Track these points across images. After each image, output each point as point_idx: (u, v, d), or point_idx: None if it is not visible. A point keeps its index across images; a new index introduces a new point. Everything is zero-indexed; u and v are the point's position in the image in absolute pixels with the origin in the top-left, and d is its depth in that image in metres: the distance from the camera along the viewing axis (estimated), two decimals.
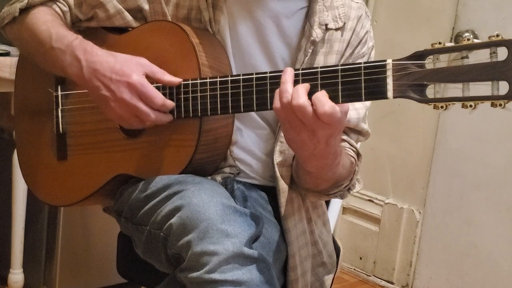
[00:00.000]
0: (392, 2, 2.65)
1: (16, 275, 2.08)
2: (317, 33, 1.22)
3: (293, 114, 0.99)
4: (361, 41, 1.28)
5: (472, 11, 2.39)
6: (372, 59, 1.30)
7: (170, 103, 1.15)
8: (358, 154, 1.26)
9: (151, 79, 1.15)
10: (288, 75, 1.02)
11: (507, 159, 2.33)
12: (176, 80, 1.15)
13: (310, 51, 1.23)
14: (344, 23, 1.25)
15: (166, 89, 1.17)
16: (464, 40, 0.93)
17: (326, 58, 1.25)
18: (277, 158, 1.25)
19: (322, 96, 0.99)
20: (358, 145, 1.29)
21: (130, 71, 1.12)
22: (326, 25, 1.23)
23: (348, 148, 1.25)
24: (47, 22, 1.23)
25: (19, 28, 1.28)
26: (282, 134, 1.23)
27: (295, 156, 1.21)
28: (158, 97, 1.13)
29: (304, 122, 0.99)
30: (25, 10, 1.27)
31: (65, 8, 1.29)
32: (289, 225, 1.25)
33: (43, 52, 1.22)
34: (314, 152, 1.05)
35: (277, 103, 1.02)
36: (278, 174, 1.24)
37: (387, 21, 2.62)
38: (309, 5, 1.24)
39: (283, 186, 1.25)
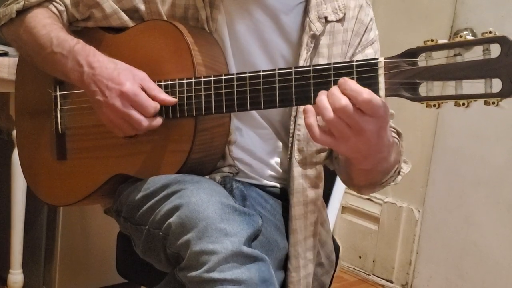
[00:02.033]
0: (391, 0, 2.65)
1: (16, 276, 2.08)
2: (316, 26, 1.22)
3: (338, 122, 0.96)
4: (366, 28, 1.28)
5: (470, 9, 2.39)
6: (379, 48, 1.30)
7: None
8: (398, 133, 1.24)
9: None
10: (310, 113, 0.99)
11: (506, 157, 2.33)
12: (171, 100, 1.15)
13: (312, 45, 1.22)
14: (344, 14, 1.25)
15: (161, 88, 1.17)
16: (457, 37, 0.92)
17: (330, 50, 1.24)
18: (297, 157, 1.24)
19: (354, 85, 0.95)
20: None
21: (125, 80, 1.13)
22: (325, 17, 1.23)
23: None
24: (47, 26, 1.23)
25: (17, 30, 1.28)
26: (298, 133, 1.23)
27: (342, 158, 1.19)
28: (151, 106, 1.14)
29: (350, 125, 0.96)
30: (22, 12, 1.27)
31: (61, 8, 1.29)
32: (297, 226, 1.24)
33: (44, 56, 1.23)
34: (369, 151, 1.01)
35: (315, 131, 0.98)
36: (295, 174, 1.24)
37: (385, 19, 2.62)
38: None
39: (298, 186, 1.24)
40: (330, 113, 0.96)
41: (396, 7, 2.63)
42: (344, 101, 0.95)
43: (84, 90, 1.18)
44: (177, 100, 1.15)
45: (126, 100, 1.13)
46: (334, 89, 0.97)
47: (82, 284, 2.23)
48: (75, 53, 1.17)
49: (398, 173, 1.24)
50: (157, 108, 1.14)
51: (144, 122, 1.14)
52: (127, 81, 1.13)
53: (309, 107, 1.00)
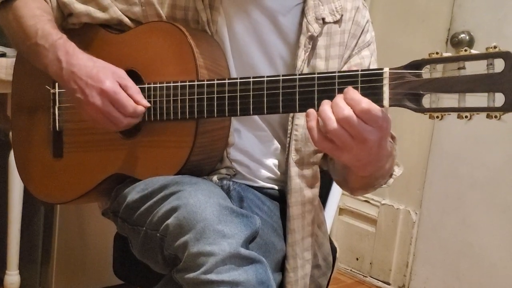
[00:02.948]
0: (388, 3, 2.65)
1: (12, 277, 2.07)
2: (314, 28, 1.22)
3: (342, 132, 0.96)
4: (363, 30, 1.28)
5: (468, 12, 2.39)
6: (375, 49, 1.31)
7: (141, 110, 1.16)
8: (392, 137, 1.25)
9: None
10: (312, 116, 0.99)
11: (503, 160, 2.33)
12: (144, 103, 1.16)
13: (310, 46, 1.23)
14: (342, 15, 1.25)
15: (163, 90, 1.17)
16: (462, 50, 0.92)
17: (328, 51, 1.25)
18: (294, 157, 1.24)
19: (355, 94, 0.96)
20: None
21: (105, 78, 1.14)
22: (323, 19, 1.23)
23: None
24: (35, 17, 1.24)
25: (7, 16, 1.29)
26: (296, 133, 1.23)
27: (339, 163, 1.20)
28: (130, 105, 1.15)
29: (352, 135, 0.96)
30: None
31: None
32: (295, 226, 1.24)
33: (28, 45, 1.24)
34: (369, 160, 1.02)
35: (316, 136, 0.98)
36: (292, 173, 1.24)
37: (383, 22, 2.62)
38: (304, 0, 1.24)
39: (295, 186, 1.24)
40: (333, 124, 0.96)
41: (394, 9, 2.64)
42: (347, 111, 0.95)
43: (63, 87, 1.19)
44: (149, 105, 1.16)
45: (106, 98, 1.14)
46: (338, 99, 0.97)
47: (79, 285, 2.22)
48: (56, 47, 1.19)
49: (391, 176, 1.25)
50: (136, 108, 1.15)
51: (124, 119, 1.15)
52: (106, 79, 1.14)
53: (312, 111, 1.00)
